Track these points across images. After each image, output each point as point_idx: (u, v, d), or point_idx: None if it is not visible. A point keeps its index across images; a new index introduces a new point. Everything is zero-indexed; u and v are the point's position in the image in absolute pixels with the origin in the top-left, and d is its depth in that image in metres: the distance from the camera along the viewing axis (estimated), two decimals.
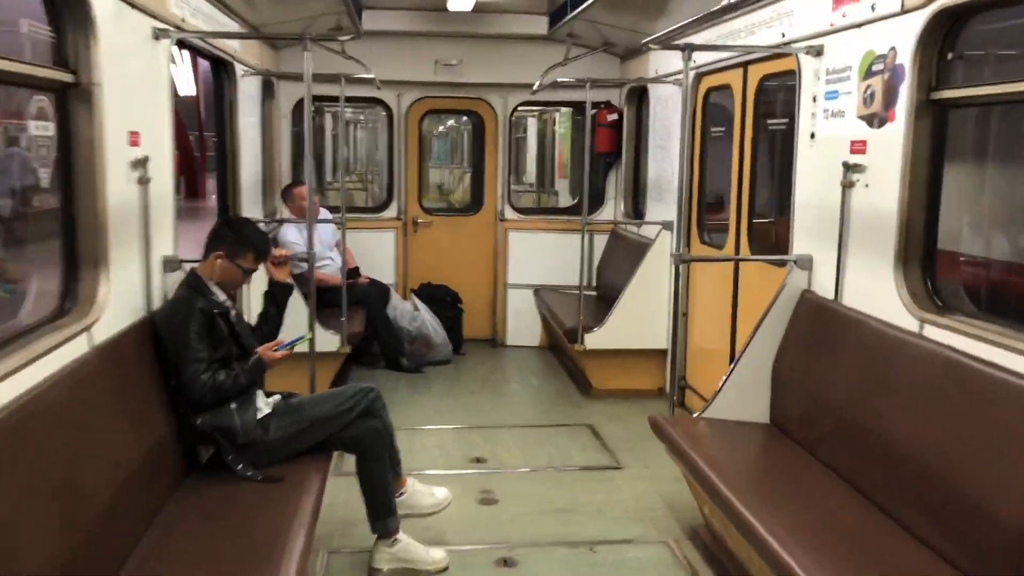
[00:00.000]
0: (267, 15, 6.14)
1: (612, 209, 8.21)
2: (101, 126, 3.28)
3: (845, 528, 3.22)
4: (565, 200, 11.10)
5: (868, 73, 3.77)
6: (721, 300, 5.63)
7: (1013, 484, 2.72)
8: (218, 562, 2.93)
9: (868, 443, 3.45)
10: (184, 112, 24.82)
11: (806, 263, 4.33)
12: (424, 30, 7.69)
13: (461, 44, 7.94)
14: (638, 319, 6.62)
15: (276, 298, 4.15)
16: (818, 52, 4.21)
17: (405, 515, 4.06)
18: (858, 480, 3.50)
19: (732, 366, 4.44)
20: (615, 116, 7.92)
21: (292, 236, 6.72)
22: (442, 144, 16.13)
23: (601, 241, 8.07)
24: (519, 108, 8.51)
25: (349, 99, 7.56)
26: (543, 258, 8.25)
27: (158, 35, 4.00)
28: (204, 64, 5.83)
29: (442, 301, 8.05)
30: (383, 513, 3.87)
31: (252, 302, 4.87)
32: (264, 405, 3.76)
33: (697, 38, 5.47)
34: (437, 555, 3.96)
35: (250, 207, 6.11)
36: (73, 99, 3.24)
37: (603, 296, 7.54)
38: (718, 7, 5.03)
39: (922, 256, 3.58)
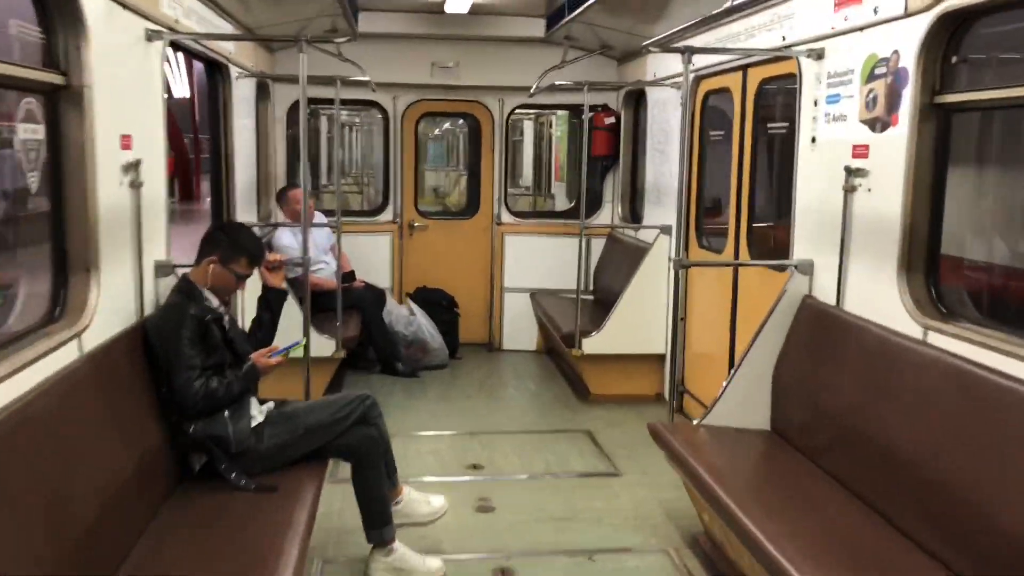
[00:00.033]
0: (262, 17, 6.09)
1: (609, 213, 8.17)
2: (92, 129, 3.23)
3: (847, 536, 3.19)
4: (562, 203, 11.06)
5: (870, 77, 3.73)
6: (720, 304, 5.59)
7: (1017, 493, 2.70)
8: (211, 574, 2.88)
9: (870, 450, 3.42)
10: (178, 114, 24.81)
11: (807, 268, 4.30)
12: (420, 32, 7.64)
13: (458, 46, 7.89)
14: (636, 324, 6.58)
15: (270, 304, 4.10)
16: (819, 55, 4.17)
17: (401, 524, 4.01)
18: (860, 488, 3.48)
19: (732, 373, 4.40)
20: (612, 119, 7.88)
21: (287, 240, 6.66)
22: (438, 147, 16.09)
23: (598, 245, 8.03)
24: (515, 111, 8.46)
25: (345, 102, 7.52)
26: (540, 262, 8.20)
27: (151, 36, 3.95)
28: (199, 65, 5.77)
29: (438, 305, 8.00)
30: (379, 522, 3.82)
31: (246, 308, 4.81)
32: (258, 413, 3.71)
33: (696, 41, 5.43)
34: (433, 564, 3.91)
35: (244, 210, 6.07)
36: (63, 101, 3.19)
37: (600, 300, 7.50)
38: (719, 10, 4.99)
39: (926, 262, 3.55)
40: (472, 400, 6.90)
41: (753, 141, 5.23)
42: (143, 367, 3.51)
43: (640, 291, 6.56)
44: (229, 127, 5.72)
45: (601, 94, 7.86)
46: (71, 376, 2.93)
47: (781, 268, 4.58)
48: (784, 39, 4.51)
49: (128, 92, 3.72)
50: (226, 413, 3.55)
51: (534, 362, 8.10)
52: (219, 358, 3.61)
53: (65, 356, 2.98)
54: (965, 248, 4.15)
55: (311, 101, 6.86)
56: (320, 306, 6.04)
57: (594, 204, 8.10)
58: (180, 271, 4.01)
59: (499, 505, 4.76)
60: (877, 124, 3.70)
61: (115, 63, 3.50)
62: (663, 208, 6.65)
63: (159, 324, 3.58)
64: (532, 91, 7.43)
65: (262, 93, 7.03)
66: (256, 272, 3.98)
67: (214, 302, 3.75)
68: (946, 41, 3.35)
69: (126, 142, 3.63)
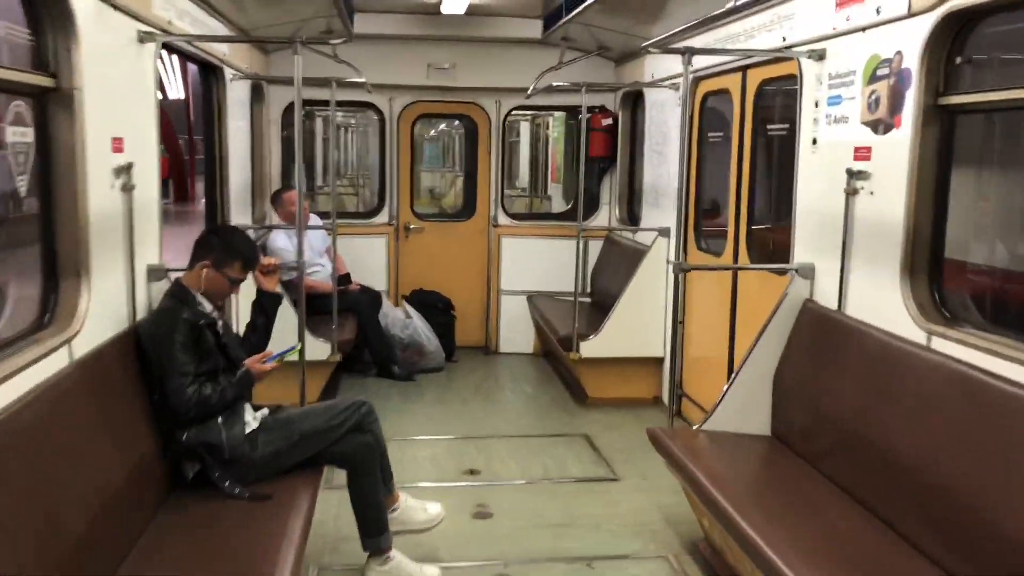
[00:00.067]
0: (257, 18, 6.04)
1: (607, 215, 8.13)
2: (82, 132, 3.17)
3: (849, 542, 3.17)
4: (558, 205, 11.01)
5: (873, 78, 3.69)
6: (719, 307, 5.55)
7: (1021, 499, 2.67)
8: None
9: (873, 456, 3.39)
10: (173, 115, 24.75)
11: (808, 272, 4.26)
12: (416, 33, 7.59)
13: (454, 48, 7.85)
14: (634, 327, 6.54)
15: (264, 308, 4.04)
16: (820, 56, 4.13)
17: (397, 532, 3.95)
18: (862, 494, 3.44)
19: (732, 377, 4.36)
20: (610, 121, 7.84)
21: (282, 242, 6.61)
22: (433, 148, 16.03)
23: (595, 247, 7.98)
24: (512, 112, 8.42)
25: (340, 103, 7.46)
26: (537, 264, 8.16)
27: (143, 38, 3.90)
28: (194, 66, 5.72)
29: (434, 308, 7.95)
30: (375, 530, 3.77)
31: (241, 312, 4.76)
32: (252, 419, 3.65)
33: (695, 42, 5.39)
34: (430, 572, 3.87)
35: (239, 213, 6.01)
36: (53, 104, 3.13)
37: (597, 303, 7.46)
38: (719, 11, 4.94)
39: (929, 266, 3.51)
40: (469, 404, 6.85)
41: (753, 143, 5.19)
42: (135, 373, 3.46)
43: (638, 294, 6.52)
44: (223, 129, 5.66)
45: (598, 95, 7.81)
46: (61, 383, 2.87)
47: (782, 272, 4.54)
48: (784, 40, 4.47)
49: (120, 94, 3.67)
50: (219, 420, 3.50)
51: (531, 365, 8.05)
52: (212, 364, 3.56)
53: (55, 363, 2.92)
54: (969, 252, 4.10)
55: (306, 103, 6.81)
56: (315, 309, 5.99)
57: (591, 206, 8.05)
58: (173, 275, 3.96)
59: (497, 511, 4.71)
60: (880, 126, 3.65)
61: (106, 65, 3.45)
62: (661, 210, 6.61)
63: (151, 329, 3.52)
64: (529, 92, 7.39)
65: (257, 95, 6.98)
66: (250, 276, 3.92)
67: (207, 307, 3.69)
68: (950, 41, 3.31)
69: (118, 145, 3.58)
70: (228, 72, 5.67)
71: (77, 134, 3.16)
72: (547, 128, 12.09)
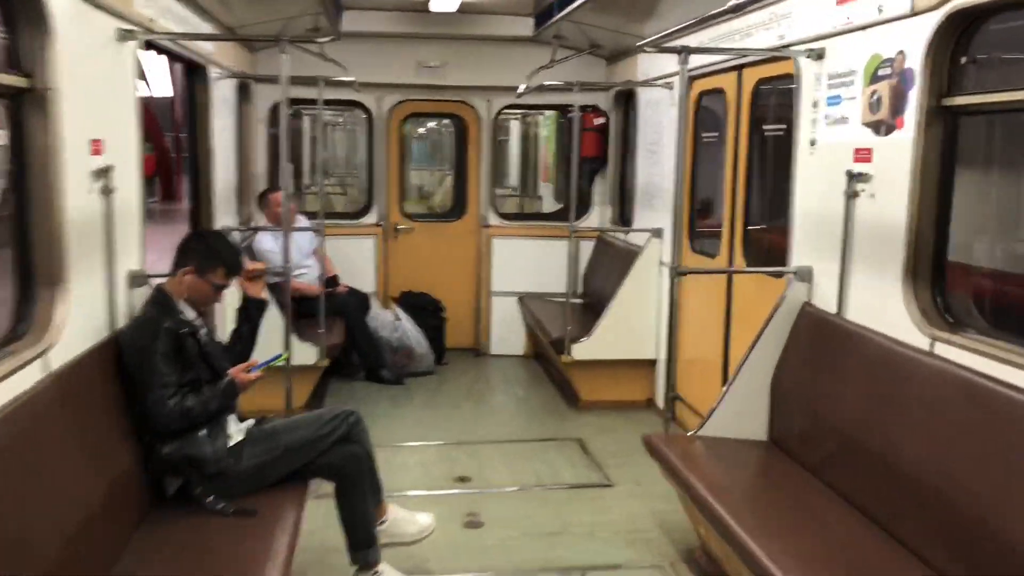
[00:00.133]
0: (242, 16, 5.92)
1: (598, 215, 8.05)
2: (59, 134, 3.06)
3: (849, 551, 3.13)
4: (549, 204, 10.93)
5: (874, 78, 3.61)
6: (714, 309, 5.48)
7: None
8: None
9: (874, 463, 3.33)
10: (159, 112, 24.54)
11: (806, 275, 4.18)
12: (405, 31, 7.49)
13: (444, 46, 7.74)
14: (627, 329, 6.47)
15: (250, 315, 3.93)
16: (819, 55, 4.05)
17: (387, 544, 3.86)
18: (862, 501, 3.40)
19: (729, 382, 4.29)
20: (602, 120, 7.75)
21: (268, 244, 6.50)
22: (422, 146, 15.95)
23: (587, 247, 7.89)
24: (503, 111, 8.31)
25: (328, 102, 7.34)
26: (528, 265, 8.07)
27: (123, 36, 3.78)
28: None
29: (424, 310, 7.84)
30: (363, 544, 3.67)
31: (227, 318, 4.65)
32: (236, 431, 3.54)
33: (690, 40, 5.29)
34: None
35: (224, 214, 5.90)
36: (28, 105, 3.01)
37: (589, 305, 7.38)
38: (716, 11, 4.85)
39: (932, 270, 3.43)
40: (459, 408, 6.75)
41: (749, 143, 5.11)
42: (115, 385, 3.34)
43: (631, 295, 6.45)
44: (208, 129, 5.55)
45: (590, 94, 7.72)
46: (36, 398, 2.75)
47: (779, 275, 4.46)
48: (782, 38, 4.39)
49: (99, 95, 3.55)
50: (203, 432, 3.39)
51: (522, 367, 7.96)
52: (195, 374, 3.45)
53: (29, 376, 2.80)
54: (973, 255, 4.04)
55: (294, 101, 6.70)
56: (303, 312, 5.88)
57: (582, 206, 7.96)
58: (155, 281, 3.84)
59: (488, 520, 4.63)
60: (881, 127, 3.57)
61: (84, 64, 3.33)
62: (654, 211, 6.53)
63: (132, 339, 3.41)
64: (521, 91, 7.29)
65: (243, 94, 6.86)
66: (234, 282, 3.81)
67: (190, 314, 3.58)
68: (955, 41, 3.23)
69: (96, 147, 3.46)
70: (213, 71, 5.55)
71: (53, 136, 3.04)
72: (537, 126, 12.00)
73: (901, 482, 3.15)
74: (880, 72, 3.56)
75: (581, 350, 6.39)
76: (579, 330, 6.51)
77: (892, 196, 3.51)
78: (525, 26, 7.44)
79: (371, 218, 8.12)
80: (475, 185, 8.24)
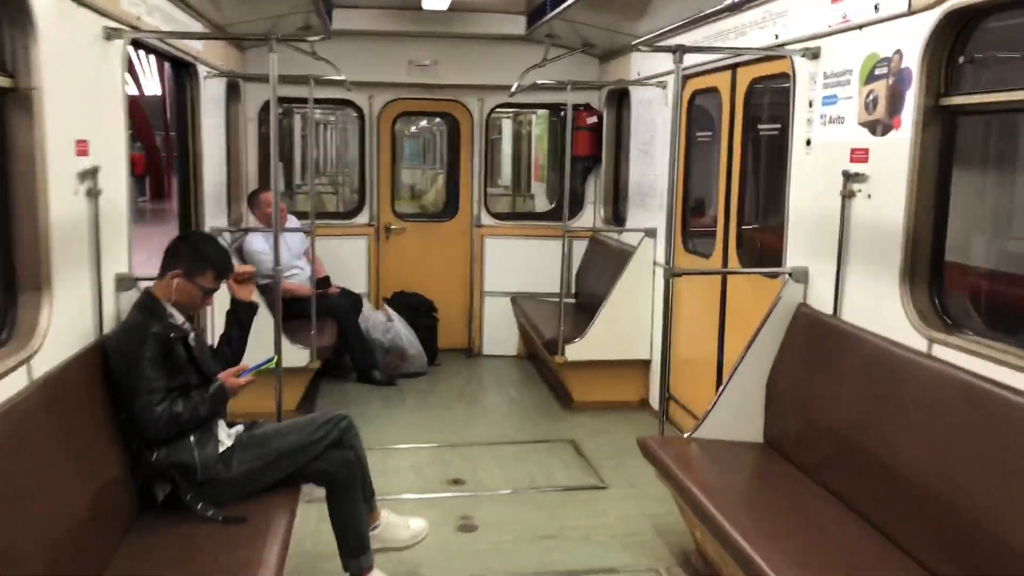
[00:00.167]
0: (231, 14, 5.85)
1: (591, 214, 8.00)
2: (43, 135, 2.99)
3: (846, 554, 3.12)
4: (542, 204, 10.88)
5: (870, 77, 3.58)
6: (707, 309, 5.45)
7: None
8: None
9: (870, 465, 3.31)
10: (150, 111, 24.44)
11: (802, 276, 4.15)
12: (397, 30, 7.42)
13: (436, 44, 7.69)
14: (620, 329, 6.43)
15: (240, 319, 3.87)
16: (815, 54, 4.02)
17: (379, 549, 3.82)
18: (859, 503, 3.38)
19: (724, 383, 4.26)
20: (594, 119, 7.71)
21: (258, 245, 6.44)
22: (414, 144, 15.87)
23: (579, 247, 7.85)
24: (495, 110, 8.26)
25: (319, 101, 7.26)
26: (520, 265, 8.02)
27: (110, 35, 3.71)
28: None
29: (416, 310, 7.80)
30: (356, 550, 3.63)
31: (216, 321, 4.58)
32: (226, 437, 3.49)
33: (684, 39, 5.27)
34: None
35: (214, 215, 5.83)
36: (11, 105, 2.94)
37: (583, 305, 7.33)
38: (709, 11, 4.81)
39: (930, 271, 3.41)
40: (452, 409, 6.71)
41: (743, 143, 5.07)
42: (101, 391, 3.28)
43: (624, 295, 6.41)
44: (197, 128, 5.48)
45: (583, 93, 7.68)
46: (20, 405, 2.69)
47: (774, 275, 4.43)
48: (777, 37, 4.35)
49: (84, 94, 3.49)
50: (192, 438, 3.33)
51: (515, 368, 7.92)
52: (184, 379, 3.39)
53: (13, 384, 2.74)
54: (971, 256, 4.00)
55: (284, 100, 6.63)
56: (294, 313, 5.84)
57: (575, 205, 7.92)
58: (143, 283, 3.78)
59: (481, 523, 4.58)
60: (878, 127, 3.54)
61: (69, 63, 3.27)
62: (647, 210, 6.49)
63: (119, 344, 3.35)
64: (514, 90, 7.24)
65: (233, 93, 6.79)
66: (224, 286, 3.75)
67: (178, 318, 3.52)
68: (952, 40, 3.20)
69: (82, 148, 3.39)
70: (202, 70, 5.49)
71: (37, 137, 2.98)
72: (529, 125, 11.95)
73: (898, 484, 3.13)
74: (877, 71, 3.53)
75: (574, 350, 6.35)
76: (572, 330, 6.47)
77: (889, 196, 3.48)
78: (517, 24, 7.39)
79: (363, 218, 8.07)
80: (467, 184, 8.19)
